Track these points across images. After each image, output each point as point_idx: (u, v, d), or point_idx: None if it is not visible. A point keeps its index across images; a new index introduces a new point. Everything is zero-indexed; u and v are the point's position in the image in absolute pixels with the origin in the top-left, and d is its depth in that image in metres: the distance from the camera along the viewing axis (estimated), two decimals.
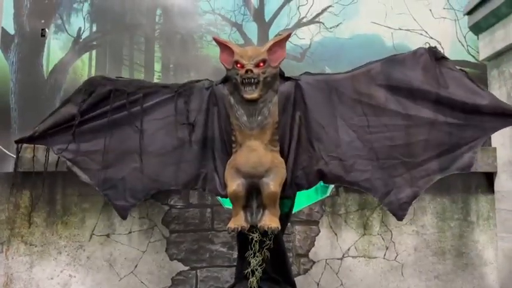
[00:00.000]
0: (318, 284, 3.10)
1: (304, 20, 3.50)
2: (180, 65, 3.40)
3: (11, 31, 3.32)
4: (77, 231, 3.06)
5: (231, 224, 1.98)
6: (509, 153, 3.01)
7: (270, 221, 1.96)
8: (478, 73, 3.28)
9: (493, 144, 3.15)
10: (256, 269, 2.02)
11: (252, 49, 2.08)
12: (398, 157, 2.06)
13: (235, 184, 1.98)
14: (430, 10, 3.50)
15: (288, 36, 2.14)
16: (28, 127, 2.46)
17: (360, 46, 3.41)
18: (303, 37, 3.46)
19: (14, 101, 3.22)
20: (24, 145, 2.34)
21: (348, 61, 2.91)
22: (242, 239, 2.11)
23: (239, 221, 1.98)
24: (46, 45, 3.34)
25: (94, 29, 3.42)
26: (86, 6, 3.42)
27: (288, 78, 2.14)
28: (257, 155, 1.99)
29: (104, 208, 3.04)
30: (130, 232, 3.09)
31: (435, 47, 2.11)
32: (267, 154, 2.00)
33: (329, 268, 3.12)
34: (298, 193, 2.22)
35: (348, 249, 3.14)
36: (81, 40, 3.38)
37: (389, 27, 3.46)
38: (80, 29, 3.39)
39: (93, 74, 3.29)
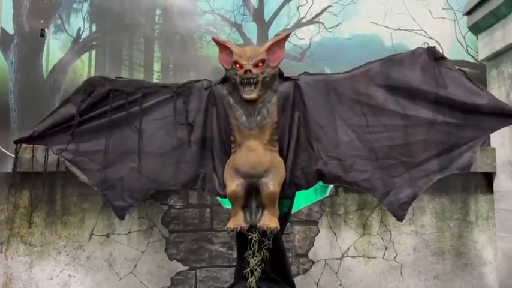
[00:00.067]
0: (317, 284, 3.10)
1: (304, 20, 3.50)
2: (180, 65, 3.40)
3: (11, 31, 3.32)
4: (77, 231, 3.06)
5: (230, 224, 1.99)
6: (509, 153, 3.01)
7: (269, 221, 1.96)
8: (477, 73, 3.28)
9: (492, 144, 3.15)
10: (256, 269, 2.02)
11: (251, 49, 2.07)
12: (397, 157, 2.06)
13: (234, 184, 1.98)
14: (429, 10, 3.50)
15: (287, 36, 2.14)
16: (27, 127, 2.46)
17: (359, 46, 3.41)
18: (302, 37, 3.46)
19: (14, 101, 3.22)
20: (24, 145, 2.34)
21: (347, 61, 2.90)
22: (241, 239, 2.11)
23: (238, 221, 1.98)
24: (45, 45, 3.34)
25: (93, 29, 3.41)
26: (85, 6, 3.42)
27: (287, 78, 2.14)
28: (256, 155, 1.99)
29: (104, 208, 3.04)
30: (129, 232, 3.09)
31: (434, 47, 2.11)
32: (266, 154, 2.00)
33: (328, 268, 3.12)
34: (297, 193, 2.22)
35: (347, 249, 3.14)
36: (80, 40, 3.38)
37: (388, 27, 3.46)
38: (79, 29, 3.39)
39: (92, 74, 3.29)
